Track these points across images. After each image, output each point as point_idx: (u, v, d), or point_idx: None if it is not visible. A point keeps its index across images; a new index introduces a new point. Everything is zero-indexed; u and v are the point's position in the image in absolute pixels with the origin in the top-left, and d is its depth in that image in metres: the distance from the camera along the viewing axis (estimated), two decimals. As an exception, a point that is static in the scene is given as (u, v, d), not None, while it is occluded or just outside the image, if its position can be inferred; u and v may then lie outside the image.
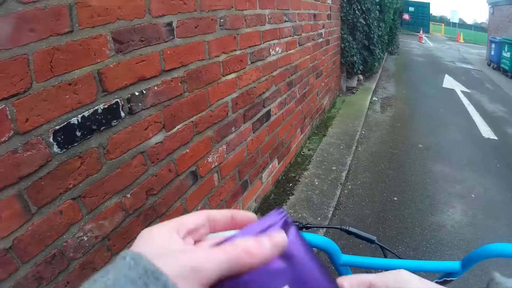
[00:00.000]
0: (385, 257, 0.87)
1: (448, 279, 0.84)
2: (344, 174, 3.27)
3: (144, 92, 1.17)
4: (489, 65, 11.70)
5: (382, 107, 6.10)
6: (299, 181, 3.00)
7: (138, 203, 1.21)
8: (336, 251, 0.80)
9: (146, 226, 1.24)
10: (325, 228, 2.74)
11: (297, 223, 0.81)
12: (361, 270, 2.23)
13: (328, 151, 3.63)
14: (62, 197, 0.92)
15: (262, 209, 2.53)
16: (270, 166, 2.57)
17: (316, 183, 3.04)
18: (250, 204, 2.31)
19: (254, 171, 2.26)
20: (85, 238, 1.01)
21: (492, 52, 11.15)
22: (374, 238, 0.86)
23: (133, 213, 1.19)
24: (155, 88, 1.22)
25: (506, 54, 9.96)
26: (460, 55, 14.88)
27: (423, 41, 18.35)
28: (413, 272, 0.68)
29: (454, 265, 0.81)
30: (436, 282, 0.80)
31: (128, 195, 1.15)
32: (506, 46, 9.94)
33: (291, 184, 2.92)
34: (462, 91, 7.65)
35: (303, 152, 3.48)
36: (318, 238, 0.77)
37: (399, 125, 5.31)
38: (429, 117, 5.87)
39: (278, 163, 2.78)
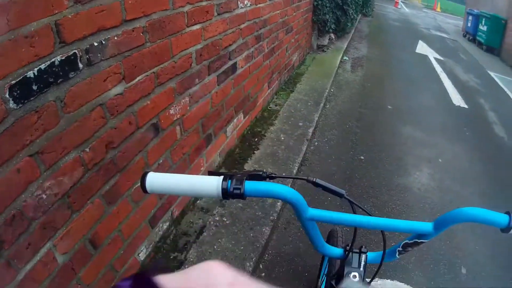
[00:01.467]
0: (354, 213, 0.86)
1: (419, 240, 0.85)
2: (311, 130, 3.38)
3: (104, 42, 1.16)
4: (464, 36, 12.25)
5: (352, 67, 6.19)
6: (265, 136, 3.09)
7: (97, 157, 1.23)
8: (302, 204, 0.77)
9: (106, 182, 1.31)
10: (291, 180, 2.91)
11: (261, 172, 0.78)
12: (328, 226, 2.40)
13: (296, 107, 3.71)
14: (20, 154, 0.93)
15: (226, 164, 2.61)
16: (235, 120, 2.63)
17: (282, 138, 3.14)
18: (214, 158, 2.38)
19: (218, 125, 2.31)
20: (44, 197, 1.03)
21: (469, 24, 11.72)
22: (343, 191, 0.83)
23: (93, 168, 1.22)
24: (115, 38, 1.21)
25: (483, 28, 10.60)
26: (436, 23, 15.09)
27: (399, 6, 18.66)
28: (386, 229, 0.78)
29: (426, 226, 0.81)
30: (406, 243, 0.89)
31: (87, 149, 1.17)
32: (484, 19, 10.55)
33: (256, 139, 3.01)
34: (436, 58, 7.88)
35: (270, 107, 3.55)
36: (283, 188, 0.73)
37: (369, 86, 5.44)
38: (400, 80, 6.04)
39: (244, 117, 2.84)
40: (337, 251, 1.03)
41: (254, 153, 2.85)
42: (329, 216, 0.80)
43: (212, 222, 2.13)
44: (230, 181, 0.69)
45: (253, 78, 2.84)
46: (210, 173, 0.74)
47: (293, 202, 0.75)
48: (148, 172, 0.69)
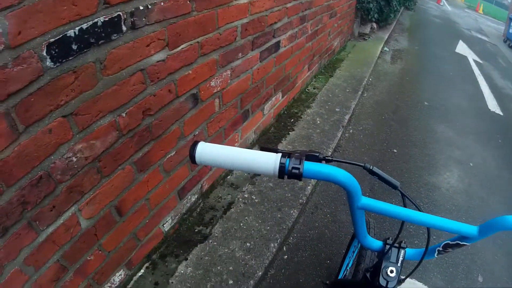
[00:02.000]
0: (405, 206, 0.83)
1: (461, 242, 0.83)
2: (347, 117, 3.25)
3: (150, 7, 1.10)
4: (505, 42, 11.49)
5: (392, 58, 5.96)
6: (301, 117, 2.99)
7: (133, 123, 1.20)
8: (357, 191, 0.75)
9: (140, 149, 1.26)
10: (345, 164, 2.78)
11: (317, 154, 0.73)
12: (376, 216, 2.30)
13: (334, 92, 3.57)
14: (52, 114, 0.90)
15: (260, 141, 2.54)
16: (273, 99, 2.54)
17: (318, 122, 3.03)
18: (248, 135, 2.32)
19: (256, 102, 2.24)
20: (74, 159, 1.00)
21: (511, 30, 11.02)
22: (397, 183, 0.81)
23: (127, 133, 1.19)
24: (162, 4, 1.15)
25: (524, 35, 9.90)
26: (477, 25, 14.25)
27: (442, 4, 17.80)
28: (429, 227, 0.77)
29: (471, 229, 0.78)
30: (447, 244, 0.85)
31: (124, 115, 1.14)
32: (526, 27, 9.81)
33: (292, 120, 2.92)
34: (474, 60, 7.43)
35: (308, 90, 3.42)
36: (341, 173, 0.69)
37: (408, 79, 5.22)
38: (438, 77, 5.76)
39: (282, 97, 2.74)
40: (377, 243, 1.00)
41: (289, 133, 2.76)
42: (381, 207, 0.78)
43: (240, 199, 2.09)
44: (288, 159, 0.65)
45: (294, 58, 2.72)
46: (263, 149, 0.69)
47: (349, 188, 0.72)
48: (198, 141, 0.65)
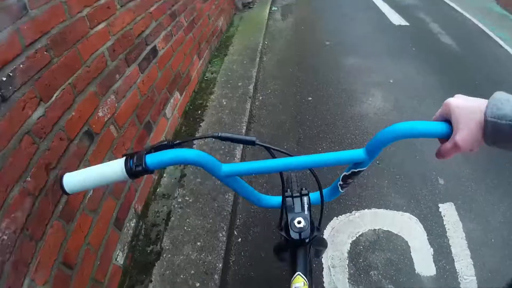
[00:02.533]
0: (273, 157, 0.83)
1: (356, 170, 0.83)
2: (251, 87, 3.55)
3: (11, 74, 1.25)
4: None
5: (283, 15, 6.32)
6: (207, 106, 3.25)
7: (41, 182, 1.34)
8: (211, 163, 0.77)
9: (58, 202, 1.44)
10: (200, 140, 2.82)
11: (165, 142, 0.76)
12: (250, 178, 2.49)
13: (232, 69, 3.86)
14: None
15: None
16: (172, 100, 2.75)
17: (225, 103, 3.30)
18: (160, 143, 2.52)
19: (154, 111, 2.43)
20: (5, 237, 1.13)
21: None
22: (253, 138, 0.80)
23: (40, 193, 1.33)
24: (21, 66, 1.30)
25: None
26: None
27: None
28: (315, 166, 0.78)
29: (356, 153, 0.78)
30: (345, 176, 0.88)
31: (29, 179, 1.28)
32: None
33: (199, 111, 3.16)
34: None
35: (206, 77, 3.68)
36: (186, 152, 0.73)
37: (303, 28, 5.59)
38: (334, 15, 6.20)
39: (181, 95, 2.96)
40: (274, 200, 1.02)
41: (200, 126, 3.01)
42: (246, 168, 0.79)
43: (176, 205, 2.31)
44: (131, 160, 0.71)
45: (179, 55, 2.93)
46: (125, 155, 0.75)
47: (201, 164, 0.75)
48: (64, 173, 0.71)
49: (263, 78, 3.94)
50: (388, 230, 2.34)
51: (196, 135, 2.76)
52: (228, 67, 3.89)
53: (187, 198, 2.37)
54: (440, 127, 0.72)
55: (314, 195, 1.03)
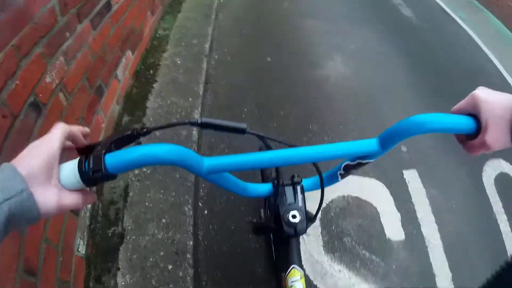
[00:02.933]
0: (269, 148, 0.69)
1: (363, 161, 0.75)
2: (207, 45, 3.28)
3: None
4: None
5: None
6: (160, 65, 2.95)
7: None
8: (192, 159, 0.61)
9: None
10: (171, 128, 2.65)
11: (128, 132, 0.61)
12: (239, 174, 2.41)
13: (186, 26, 3.51)
14: None
15: (127, 109, 2.48)
16: (123, 60, 2.43)
17: (179, 62, 3.02)
18: (112, 108, 2.25)
19: (105, 72, 2.13)
20: None
21: None
22: (243, 125, 0.63)
23: None
24: None
25: None
26: None
27: None
28: (320, 160, 0.68)
29: (369, 145, 0.69)
30: (348, 165, 0.79)
31: None
32: None
33: (151, 71, 2.86)
34: None
35: (158, 34, 3.31)
36: (160, 149, 0.57)
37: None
38: None
39: (132, 54, 2.63)
40: (263, 188, 0.90)
41: (153, 87, 2.73)
42: (235, 162, 0.65)
43: (133, 178, 2.09)
44: (87, 162, 0.54)
45: (133, 9, 2.57)
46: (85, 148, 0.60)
47: (178, 163, 0.59)
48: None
49: (218, 36, 3.64)
50: (357, 196, 2.37)
51: (166, 124, 2.45)
52: (182, 24, 3.53)
53: (145, 169, 2.15)
54: (466, 122, 0.64)
55: (306, 182, 0.93)
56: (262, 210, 1.82)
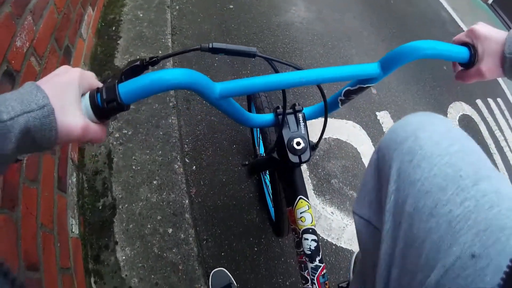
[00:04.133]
0: (276, 71, 0.71)
1: (364, 85, 0.76)
2: (167, -5, 3.03)
3: None
4: None
5: None
6: (121, 20, 2.69)
7: None
8: (204, 83, 0.60)
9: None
10: (178, 56, 2.55)
11: (138, 62, 0.62)
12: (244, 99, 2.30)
13: (142, -24, 3.18)
14: None
15: (95, 69, 2.27)
16: (86, 18, 2.18)
17: (141, 15, 2.78)
18: (81, 68, 2.05)
19: (72, 31, 1.90)
20: None
21: None
22: (253, 49, 0.67)
23: None
24: None
25: None
26: None
27: None
28: (325, 81, 0.69)
29: (371, 68, 0.71)
30: (348, 90, 0.80)
31: None
32: None
33: (114, 27, 2.61)
34: None
35: (113, -13, 2.97)
36: (171, 74, 0.55)
37: None
38: None
39: (93, 10, 2.37)
40: (266, 118, 0.90)
41: (118, 43, 2.50)
42: (246, 85, 0.65)
43: (115, 143, 1.93)
44: (99, 94, 0.53)
45: None
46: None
47: (193, 86, 0.58)
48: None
49: None
50: (337, 138, 2.40)
51: (176, 52, 2.24)
52: None
53: (125, 131, 2.00)
54: (462, 51, 0.71)
55: (307, 110, 0.93)
56: (257, 149, 1.79)
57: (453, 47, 0.71)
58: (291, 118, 0.89)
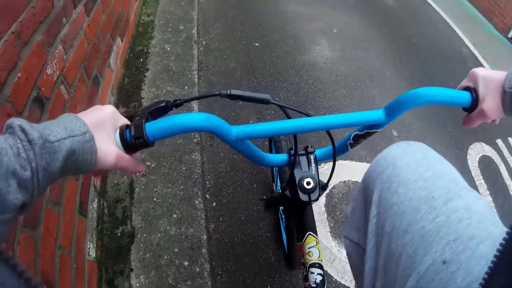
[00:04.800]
0: (288, 118, 0.75)
1: (370, 131, 0.79)
2: (194, 31, 3.05)
3: None
4: None
5: None
6: (149, 52, 2.70)
7: None
8: (222, 127, 0.65)
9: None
10: (200, 100, 2.59)
11: (163, 104, 0.67)
12: (262, 142, 2.27)
13: (169, 11, 3.23)
14: None
15: (122, 99, 2.26)
16: (115, 48, 2.19)
17: (168, 49, 2.79)
18: (108, 99, 2.03)
19: (101, 61, 1.90)
20: None
21: None
22: (267, 96, 0.71)
23: None
24: None
25: None
26: None
27: None
28: (331, 129, 0.74)
29: (376, 115, 0.74)
30: (357, 135, 0.84)
31: None
32: None
33: (141, 59, 2.62)
34: None
35: (142, 20, 3.02)
36: (193, 118, 0.59)
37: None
38: None
39: (122, 41, 2.38)
40: (280, 158, 0.95)
41: (145, 76, 2.50)
42: (260, 130, 0.69)
43: (138, 174, 1.89)
44: (128, 130, 0.58)
45: None
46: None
47: (211, 130, 0.62)
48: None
49: (203, 21, 3.36)
50: (357, 181, 2.30)
51: (197, 96, 2.26)
52: (165, 9, 3.23)
53: (149, 163, 1.96)
54: (464, 96, 0.72)
55: (319, 152, 0.97)
56: (274, 185, 1.86)
57: (455, 92, 0.73)
58: (303, 159, 0.93)
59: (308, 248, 0.93)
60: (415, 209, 0.62)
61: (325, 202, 2.12)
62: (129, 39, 2.63)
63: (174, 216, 1.75)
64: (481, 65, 4.18)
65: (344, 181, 2.27)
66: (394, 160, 0.72)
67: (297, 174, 0.91)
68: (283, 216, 1.76)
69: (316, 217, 2.01)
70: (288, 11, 3.88)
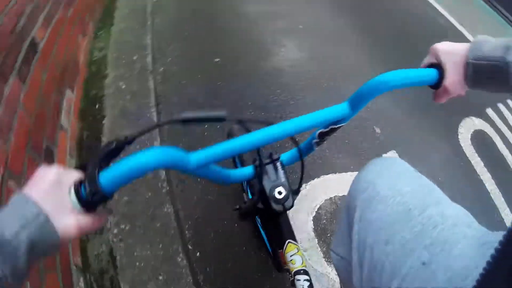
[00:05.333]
0: (248, 131, 0.70)
1: (335, 126, 0.77)
2: (149, 59, 2.80)
3: None
4: None
5: None
6: (104, 95, 2.43)
7: None
8: (179, 158, 0.60)
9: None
10: (162, 129, 2.32)
11: (113, 145, 0.57)
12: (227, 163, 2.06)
13: (122, 40, 2.93)
14: None
15: (83, 158, 2.02)
16: (65, 104, 1.93)
17: (123, 86, 2.53)
18: (68, 164, 1.82)
19: (50, 127, 1.66)
20: None
21: None
22: (222, 114, 0.65)
23: None
24: None
25: None
26: None
27: None
28: (298, 132, 0.70)
29: (340, 109, 0.72)
30: (322, 132, 0.82)
31: None
32: None
33: (97, 105, 2.35)
34: None
35: (94, 57, 2.73)
36: (147, 156, 0.53)
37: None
38: None
39: (73, 92, 2.13)
40: (246, 172, 0.92)
41: (103, 124, 2.23)
42: (220, 152, 0.65)
43: (114, 240, 1.73)
44: (83, 186, 0.51)
45: (62, 38, 2.01)
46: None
47: (167, 165, 0.57)
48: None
49: (158, 44, 2.99)
50: (343, 196, 2.11)
51: (147, 128, 2.01)
52: (118, 39, 2.94)
53: (123, 226, 1.77)
54: (429, 73, 0.69)
55: (285, 156, 0.95)
56: (244, 195, 1.69)
57: (421, 71, 0.69)
58: (270, 168, 0.89)
59: (290, 256, 0.90)
60: (394, 222, 0.66)
61: (313, 227, 1.94)
62: (81, 86, 2.37)
63: (160, 278, 1.63)
64: (460, 33, 4.01)
65: (330, 198, 2.08)
66: (375, 180, 0.76)
67: (267, 184, 0.87)
68: (260, 222, 1.68)
69: (307, 244, 1.87)
70: (247, 14, 3.55)
